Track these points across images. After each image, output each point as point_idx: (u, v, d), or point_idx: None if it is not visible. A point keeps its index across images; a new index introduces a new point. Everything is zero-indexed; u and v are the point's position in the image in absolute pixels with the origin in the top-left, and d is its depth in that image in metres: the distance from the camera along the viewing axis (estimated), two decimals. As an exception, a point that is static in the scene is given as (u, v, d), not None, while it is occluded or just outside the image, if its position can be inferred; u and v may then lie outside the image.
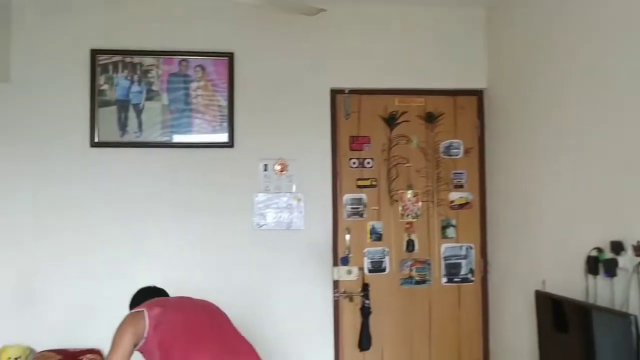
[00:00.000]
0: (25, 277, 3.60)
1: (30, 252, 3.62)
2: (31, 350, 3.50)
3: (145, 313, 2.52)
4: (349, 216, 3.90)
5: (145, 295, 2.80)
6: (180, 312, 2.61)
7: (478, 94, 4.02)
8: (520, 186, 3.53)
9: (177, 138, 3.74)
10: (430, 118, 3.99)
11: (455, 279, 3.95)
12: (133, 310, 2.61)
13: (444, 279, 3.95)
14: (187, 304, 2.73)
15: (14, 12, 3.66)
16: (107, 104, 3.69)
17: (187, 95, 3.75)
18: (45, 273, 3.62)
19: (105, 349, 3.50)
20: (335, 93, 3.92)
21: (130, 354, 2.52)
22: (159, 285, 2.97)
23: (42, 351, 3.49)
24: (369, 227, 3.91)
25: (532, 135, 3.37)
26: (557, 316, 2.90)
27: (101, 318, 3.59)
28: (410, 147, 3.97)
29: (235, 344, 2.57)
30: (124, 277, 3.64)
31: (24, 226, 3.62)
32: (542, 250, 3.26)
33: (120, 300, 3.60)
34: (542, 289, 3.07)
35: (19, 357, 3.38)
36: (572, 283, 2.85)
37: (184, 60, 3.76)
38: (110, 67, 3.70)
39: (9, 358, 3.36)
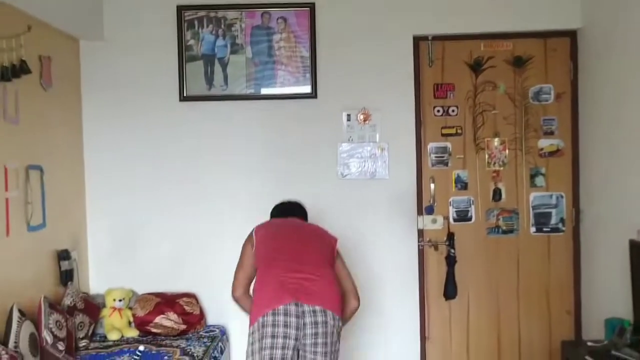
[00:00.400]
0: (126, 227, 3.84)
1: (127, 203, 3.84)
2: (134, 293, 3.76)
3: (254, 233, 2.82)
4: (433, 165, 3.86)
5: (274, 212, 3.11)
6: (276, 236, 2.81)
7: (571, 35, 3.80)
8: (616, 132, 3.35)
9: (262, 90, 3.80)
10: (518, 62, 3.82)
11: (545, 229, 3.84)
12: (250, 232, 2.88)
13: (533, 229, 3.85)
14: (288, 228, 2.90)
15: (105, -28, 3.81)
16: (194, 58, 3.79)
17: (270, 47, 3.79)
18: (142, 221, 3.84)
19: (199, 293, 3.79)
20: (418, 40, 3.83)
21: (252, 265, 2.78)
22: (293, 200, 3.20)
23: (143, 294, 3.74)
24: (454, 176, 3.86)
25: (632, 78, 3.17)
26: (654, 266, 2.78)
27: (195, 266, 3.85)
28: (497, 93, 3.84)
29: (309, 262, 2.67)
30: (213, 228, 3.84)
31: (121, 179, 3.84)
32: (637, 199, 3.10)
33: (212, 250, 3.83)
34: (637, 238, 2.94)
35: (123, 298, 3.64)
36: (670, 232, 2.72)
37: (266, 12, 3.78)
38: (196, 23, 3.79)
39: (114, 299, 3.62)
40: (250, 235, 2.86)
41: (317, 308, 2.48)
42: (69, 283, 3.43)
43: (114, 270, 3.84)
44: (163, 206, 3.85)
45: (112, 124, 3.84)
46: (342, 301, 2.66)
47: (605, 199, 3.51)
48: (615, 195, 3.39)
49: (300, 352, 2.49)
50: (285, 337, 2.42)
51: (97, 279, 3.85)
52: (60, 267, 3.40)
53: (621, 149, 3.30)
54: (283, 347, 2.42)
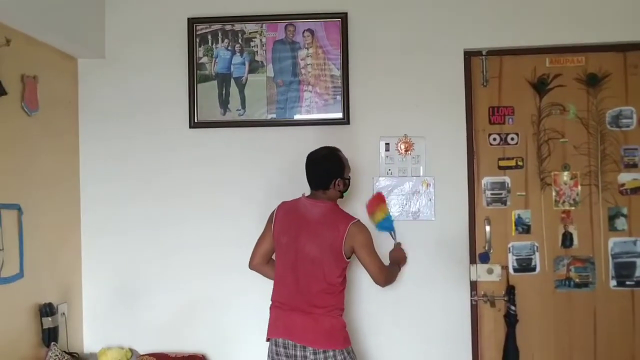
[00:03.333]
0: (125, 274, 3.33)
1: (129, 247, 3.33)
2: (133, 353, 3.19)
3: (274, 214, 2.85)
4: (489, 204, 3.25)
5: (307, 172, 2.85)
6: (286, 234, 2.77)
7: (657, 47, 3.19)
8: None
9: (285, 115, 3.26)
10: (592, 81, 3.22)
11: (628, 282, 3.18)
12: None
13: (613, 282, 3.19)
14: (298, 231, 2.75)
15: (108, -17, 3.36)
16: (206, 78, 3.28)
17: (295, 65, 3.25)
18: (146, 270, 3.32)
19: (209, 354, 3.23)
20: (470, 55, 3.26)
21: (270, 243, 2.85)
22: (323, 156, 2.82)
23: (144, 355, 3.19)
24: (514, 217, 3.24)
25: None
26: None
27: (204, 321, 3.32)
28: (566, 117, 3.23)
29: (305, 290, 2.71)
30: (228, 274, 3.28)
31: (122, 219, 3.33)
32: None
33: (223, 303, 3.27)
34: None
35: (119, 360, 3.08)
36: None
37: (290, 24, 3.26)
38: (209, 37, 3.28)
39: (108, 362, 3.07)
40: (272, 213, 2.87)
41: (298, 345, 2.67)
42: (52, 344, 2.88)
43: (111, 326, 3.31)
44: (170, 251, 3.31)
45: (114, 154, 3.34)
46: (329, 330, 2.70)
47: None
48: None
49: None
50: None
51: (91, 336, 3.32)
52: (42, 325, 2.87)
53: None
54: None
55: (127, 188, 3.33)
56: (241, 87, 3.27)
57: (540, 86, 3.24)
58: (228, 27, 3.28)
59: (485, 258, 3.23)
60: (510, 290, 3.18)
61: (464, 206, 3.21)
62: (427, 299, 3.20)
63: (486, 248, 3.22)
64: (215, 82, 3.27)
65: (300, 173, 3.22)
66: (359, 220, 2.76)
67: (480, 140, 3.26)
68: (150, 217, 3.32)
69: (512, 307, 3.17)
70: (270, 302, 2.79)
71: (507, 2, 3.20)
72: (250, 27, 3.27)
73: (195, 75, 3.28)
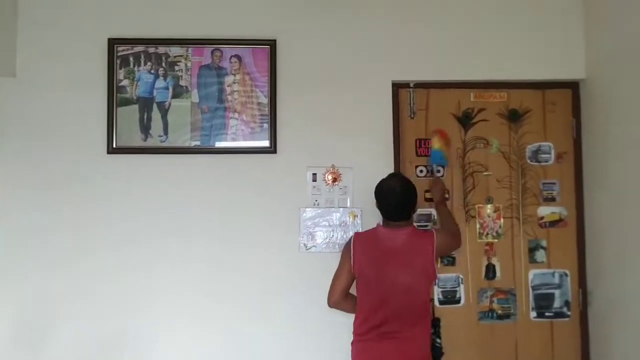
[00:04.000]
0: (28, 311, 3.06)
1: (34, 280, 3.07)
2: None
3: (352, 247, 2.77)
4: (415, 236, 3.24)
5: (382, 208, 2.82)
6: (372, 266, 2.72)
7: (573, 87, 3.32)
8: (629, 198, 2.84)
9: (210, 142, 3.14)
10: (513, 116, 3.31)
11: (547, 314, 3.25)
12: (348, 241, 2.84)
13: (533, 313, 3.24)
14: (384, 260, 2.72)
15: (21, -3, 3.16)
16: (127, 102, 3.13)
17: (221, 91, 3.16)
18: (53, 305, 3.07)
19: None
20: (397, 87, 3.27)
21: (350, 277, 2.79)
22: (400, 187, 2.78)
23: (50, 398, 2.94)
24: (439, 249, 3.24)
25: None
26: None
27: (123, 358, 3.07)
28: (489, 151, 3.30)
29: (398, 320, 2.68)
30: (145, 308, 3.10)
31: (30, 253, 3.08)
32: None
33: (143, 338, 3.08)
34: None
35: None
36: None
37: (217, 49, 3.17)
38: (131, 59, 3.14)
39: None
40: (348, 246, 2.80)
41: None
42: (-55, 390, 2.61)
43: (14, 366, 3.03)
44: (84, 287, 3.08)
45: (21, 182, 3.10)
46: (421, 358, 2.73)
47: (618, 278, 2.95)
48: (630, 274, 2.84)
49: None
50: None
51: (-10, 378, 3.03)
52: None
53: (636, 218, 2.77)
54: None
55: (35, 215, 3.09)
56: (164, 112, 3.14)
57: (465, 120, 3.30)
58: (151, 49, 3.15)
59: (411, 290, 3.21)
60: (436, 323, 3.15)
61: (391, 238, 3.20)
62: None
63: (412, 280, 3.20)
64: (136, 106, 3.13)
65: (223, 200, 3.14)
66: (435, 229, 2.88)
67: (408, 172, 3.26)
68: (63, 249, 3.09)
69: (438, 340, 3.13)
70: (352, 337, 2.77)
71: (435, 37, 3.26)
72: (175, 51, 3.16)
73: (114, 98, 3.12)
